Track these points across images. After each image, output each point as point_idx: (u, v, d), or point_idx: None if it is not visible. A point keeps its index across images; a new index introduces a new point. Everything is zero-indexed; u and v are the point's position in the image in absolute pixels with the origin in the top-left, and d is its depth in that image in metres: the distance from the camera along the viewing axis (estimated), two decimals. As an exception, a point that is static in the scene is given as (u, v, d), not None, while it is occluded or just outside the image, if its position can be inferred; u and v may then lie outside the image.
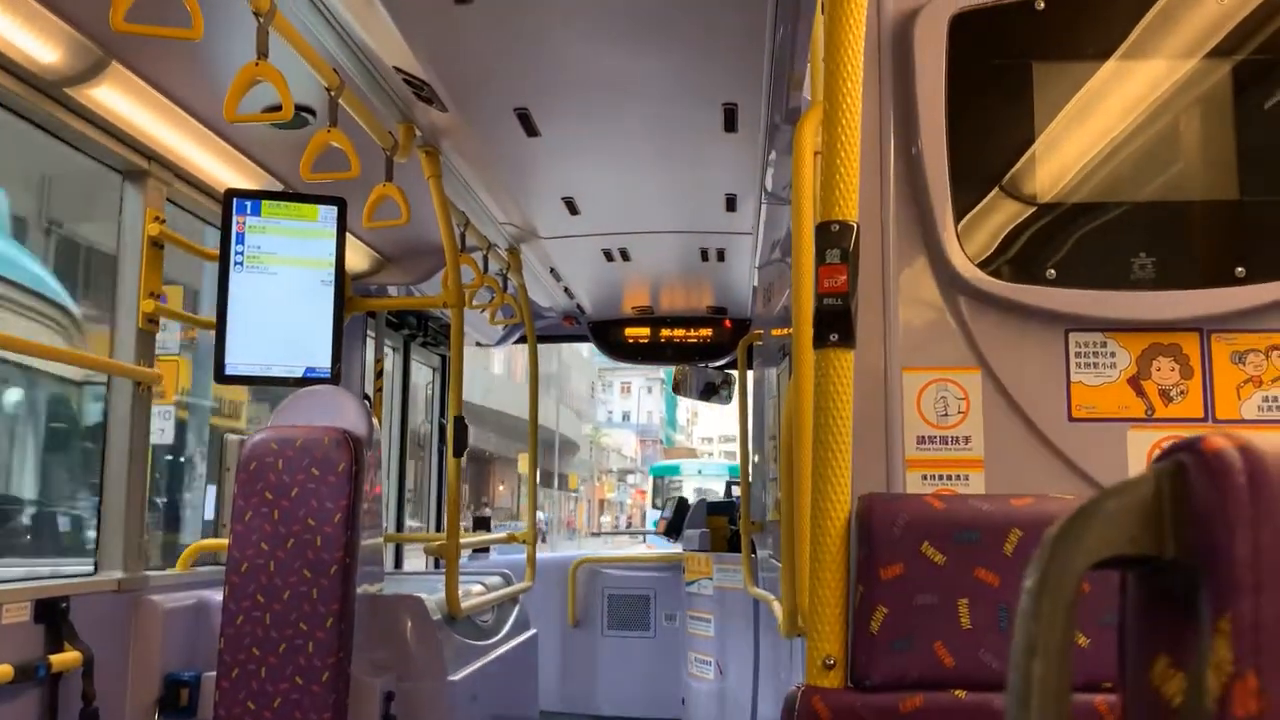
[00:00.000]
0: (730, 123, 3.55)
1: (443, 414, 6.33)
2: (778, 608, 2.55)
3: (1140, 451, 1.96)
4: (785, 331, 3.67)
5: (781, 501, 3.05)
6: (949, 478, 1.97)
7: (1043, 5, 2.04)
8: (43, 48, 2.66)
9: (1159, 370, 1.98)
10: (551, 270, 5.52)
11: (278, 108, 2.63)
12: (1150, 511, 0.69)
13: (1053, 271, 1.99)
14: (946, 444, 1.98)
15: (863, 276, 1.76)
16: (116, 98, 2.98)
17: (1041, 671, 0.66)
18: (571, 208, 4.48)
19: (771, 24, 2.83)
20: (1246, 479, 0.67)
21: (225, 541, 3.31)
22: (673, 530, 7.03)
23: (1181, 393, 1.98)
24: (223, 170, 3.61)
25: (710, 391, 6.82)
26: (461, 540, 3.96)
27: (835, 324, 1.62)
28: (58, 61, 2.73)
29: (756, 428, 5.28)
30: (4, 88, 2.72)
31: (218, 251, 3.54)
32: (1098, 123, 2.03)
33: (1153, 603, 0.72)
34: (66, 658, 2.85)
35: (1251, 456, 0.68)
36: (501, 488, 38.41)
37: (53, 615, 2.83)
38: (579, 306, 6.31)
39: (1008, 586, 1.60)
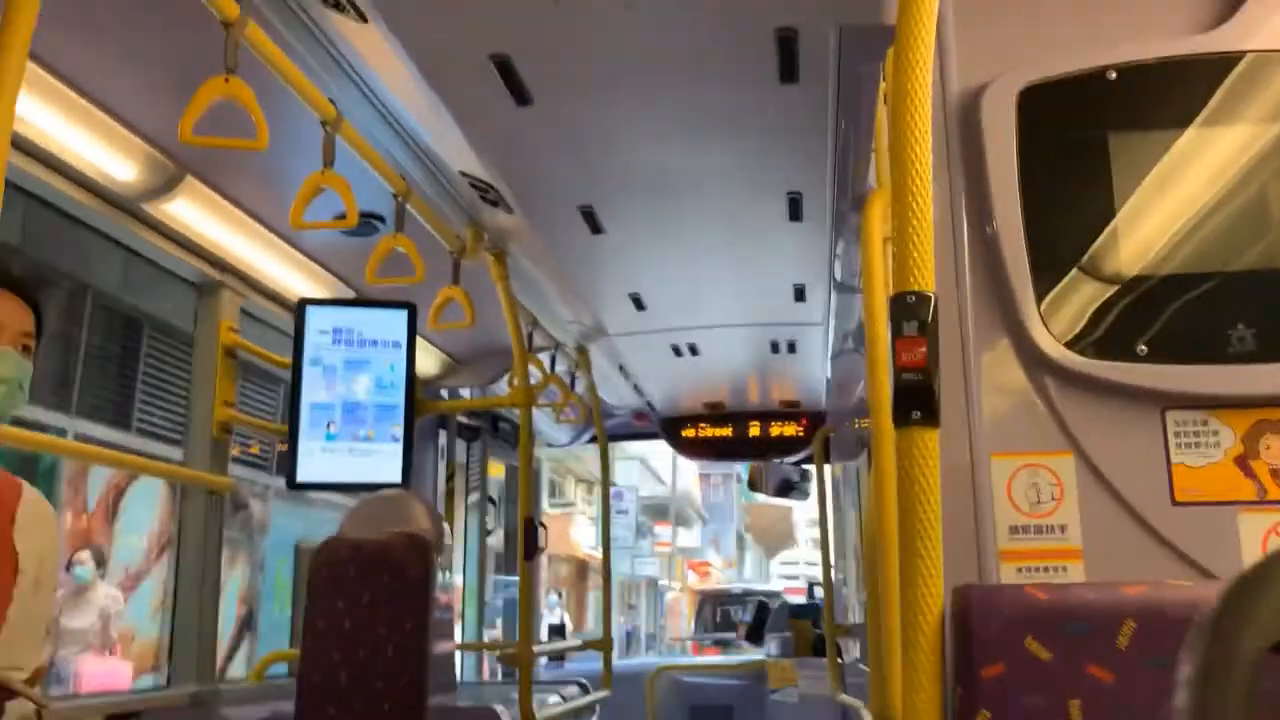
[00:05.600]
0: (795, 212, 3.51)
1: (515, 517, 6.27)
2: (867, 716, 2.41)
3: (1255, 536, 1.82)
4: (863, 423, 3.57)
5: (868, 601, 2.91)
6: (1046, 569, 1.84)
7: (1115, 75, 1.98)
8: (119, 163, 2.73)
9: (1268, 449, 1.85)
10: (620, 368, 5.49)
11: (345, 216, 2.65)
12: None
13: (1144, 347, 1.88)
14: (1041, 533, 1.86)
15: (943, 362, 1.67)
16: (190, 211, 3.04)
17: None
18: (638, 304, 4.46)
19: (834, 112, 2.81)
20: None
21: (298, 651, 3.25)
22: (754, 635, 6.82)
23: (1296, 472, 1.84)
24: (294, 279, 3.66)
25: (787, 488, 6.66)
26: (536, 648, 3.86)
27: (917, 400, 1.51)
28: (134, 177, 2.80)
29: (838, 524, 5.13)
30: (82, 205, 2.79)
31: (290, 360, 3.57)
32: (1182, 192, 1.94)
33: None
34: (138, 775, 2.79)
35: None
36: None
37: None
38: (649, 404, 6.25)
39: (1125, 684, 1.46)
